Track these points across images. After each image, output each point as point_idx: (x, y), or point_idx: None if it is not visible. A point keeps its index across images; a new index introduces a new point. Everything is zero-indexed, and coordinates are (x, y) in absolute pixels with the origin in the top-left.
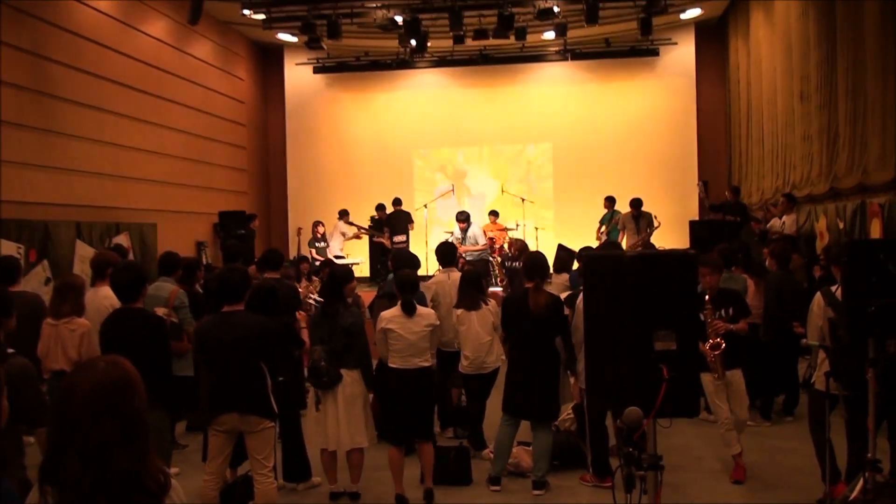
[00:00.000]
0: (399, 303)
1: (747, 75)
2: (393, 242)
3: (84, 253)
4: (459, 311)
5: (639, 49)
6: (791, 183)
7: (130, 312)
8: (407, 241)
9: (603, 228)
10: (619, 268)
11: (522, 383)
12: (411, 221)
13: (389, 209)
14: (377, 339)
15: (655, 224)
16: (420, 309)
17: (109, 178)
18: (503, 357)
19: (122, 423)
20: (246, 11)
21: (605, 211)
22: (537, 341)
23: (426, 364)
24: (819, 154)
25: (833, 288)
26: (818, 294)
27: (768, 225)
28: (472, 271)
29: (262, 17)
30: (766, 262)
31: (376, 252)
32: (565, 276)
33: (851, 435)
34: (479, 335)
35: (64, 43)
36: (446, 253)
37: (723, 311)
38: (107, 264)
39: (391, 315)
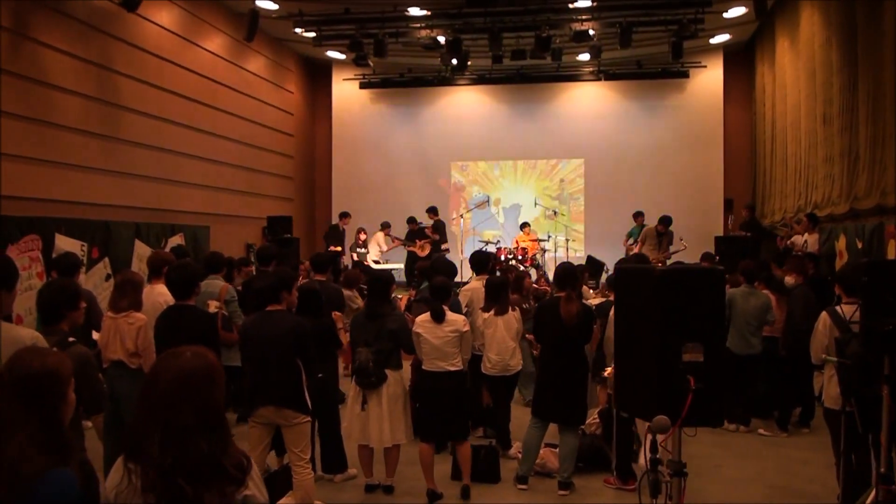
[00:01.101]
0: (430, 311)
1: (772, 98)
2: (442, 249)
3: (142, 252)
4: (487, 315)
5: (669, 71)
6: (813, 203)
7: (183, 309)
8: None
9: (630, 241)
10: (648, 281)
11: (552, 388)
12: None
13: (423, 219)
14: (414, 342)
15: (681, 247)
16: (450, 316)
17: (167, 183)
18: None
19: (201, 410)
20: (298, 30)
21: (634, 224)
22: (567, 348)
23: (453, 368)
24: (840, 175)
25: (849, 311)
26: (823, 313)
27: (790, 241)
28: (500, 277)
29: (312, 35)
30: (785, 279)
31: (410, 260)
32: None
33: (856, 448)
34: (505, 339)
35: (129, 56)
36: (480, 261)
37: None
38: (163, 263)
39: (421, 320)
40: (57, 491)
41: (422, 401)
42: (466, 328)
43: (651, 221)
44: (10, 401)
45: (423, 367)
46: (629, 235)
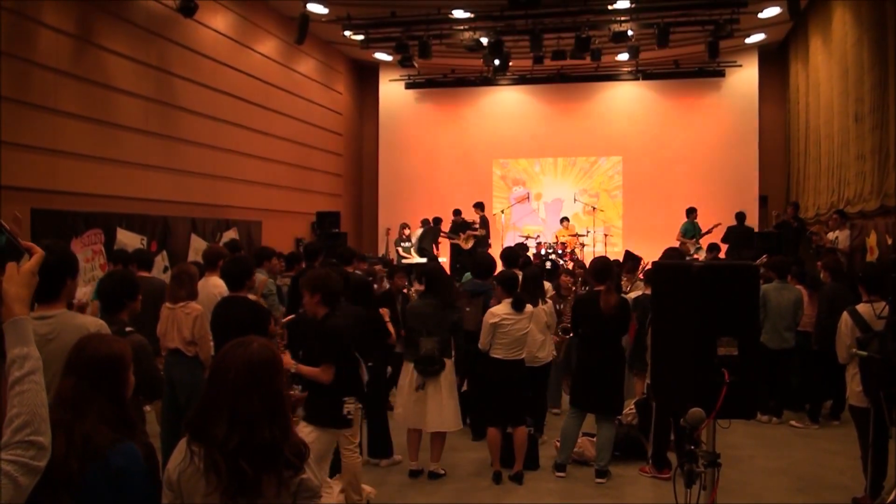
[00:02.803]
0: (511, 300)
1: (806, 97)
2: (489, 245)
3: (198, 245)
4: None
5: (706, 70)
6: (845, 199)
7: (236, 300)
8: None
9: (683, 237)
10: (685, 276)
11: (590, 379)
12: None
13: (469, 213)
14: (484, 332)
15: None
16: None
17: (221, 180)
18: (554, 353)
19: (267, 398)
20: (347, 32)
21: (686, 220)
22: (606, 340)
23: (523, 356)
24: (871, 172)
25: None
26: (844, 314)
27: (822, 240)
28: (534, 271)
29: (360, 37)
30: (821, 275)
31: (455, 252)
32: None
33: (877, 442)
34: (533, 332)
35: (185, 59)
36: (511, 256)
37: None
38: (218, 256)
39: (502, 311)
40: (126, 463)
41: (491, 388)
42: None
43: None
44: (80, 382)
45: (494, 356)
46: (683, 232)
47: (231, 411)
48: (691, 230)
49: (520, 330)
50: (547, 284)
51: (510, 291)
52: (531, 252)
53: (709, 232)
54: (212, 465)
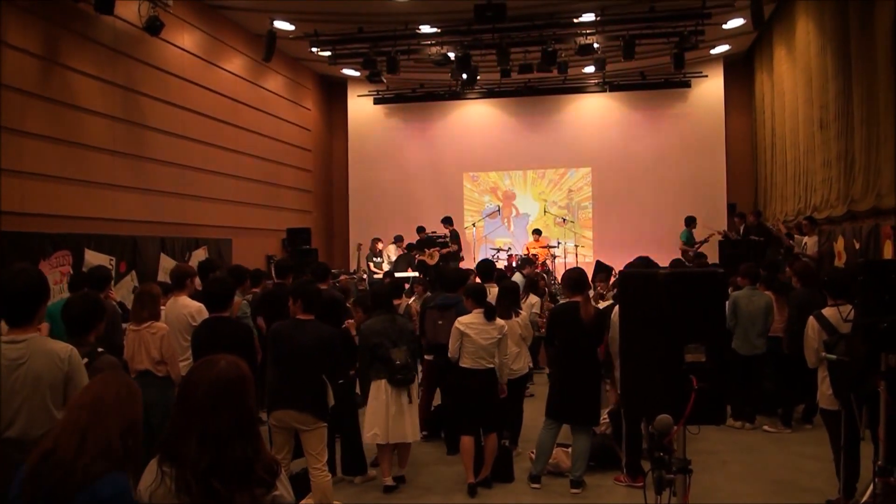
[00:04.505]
0: (483, 311)
1: (771, 105)
2: (462, 258)
3: (167, 265)
4: None
5: (672, 81)
6: (812, 206)
7: (220, 320)
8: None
9: (684, 246)
10: (652, 285)
11: (566, 389)
12: None
13: (438, 228)
14: (452, 339)
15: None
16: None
17: (190, 198)
18: (530, 364)
19: (237, 416)
20: (314, 49)
21: (685, 228)
22: (583, 350)
23: (491, 365)
24: (837, 179)
25: (834, 312)
26: (810, 318)
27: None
28: (510, 283)
29: (328, 53)
30: (792, 281)
31: (421, 268)
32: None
33: (848, 444)
34: (508, 344)
35: (153, 78)
36: (486, 269)
37: None
38: (185, 276)
39: (469, 321)
40: (114, 492)
41: (462, 397)
42: (506, 330)
43: (659, 225)
44: (86, 414)
45: (462, 365)
46: (685, 240)
47: (201, 430)
48: (691, 238)
49: (486, 340)
50: (535, 299)
51: (480, 303)
52: (503, 264)
53: (706, 241)
54: (183, 485)
